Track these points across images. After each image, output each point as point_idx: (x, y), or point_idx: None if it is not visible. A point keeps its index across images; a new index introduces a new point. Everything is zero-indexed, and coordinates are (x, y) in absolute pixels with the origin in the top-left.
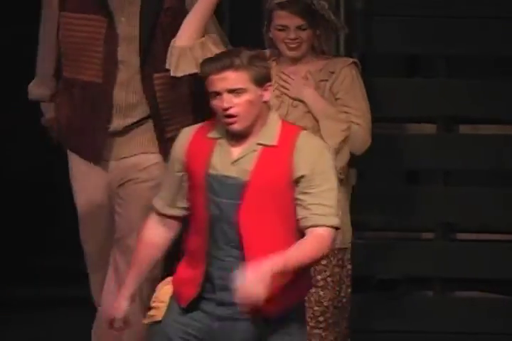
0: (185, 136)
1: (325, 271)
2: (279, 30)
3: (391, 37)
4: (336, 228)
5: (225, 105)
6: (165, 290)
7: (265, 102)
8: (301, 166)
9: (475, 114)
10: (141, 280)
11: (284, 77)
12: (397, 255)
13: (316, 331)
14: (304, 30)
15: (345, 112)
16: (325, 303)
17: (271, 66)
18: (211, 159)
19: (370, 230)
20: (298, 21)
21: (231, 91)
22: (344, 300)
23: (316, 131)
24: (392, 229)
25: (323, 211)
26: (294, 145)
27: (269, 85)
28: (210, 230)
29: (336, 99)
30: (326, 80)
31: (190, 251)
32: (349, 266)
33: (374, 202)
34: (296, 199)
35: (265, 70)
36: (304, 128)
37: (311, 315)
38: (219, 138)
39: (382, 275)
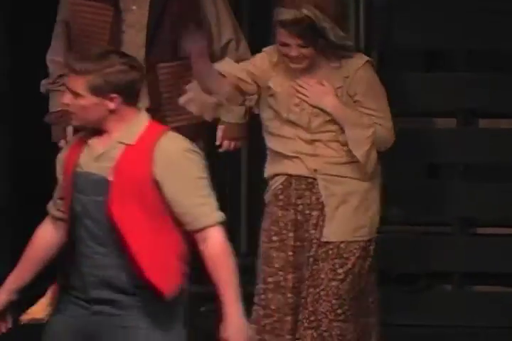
0: (73, 137)
1: (346, 264)
2: (282, 45)
3: (410, 32)
4: (221, 222)
5: (64, 100)
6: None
7: (113, 111)
8: (158, 169)
9: (495, 108)
10: (25, 279)
11: (299, 85)
12: (416, 249)
13: (336, 324)
14: (306, 47)
15: (367, 114)
16: (343, 296)
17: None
18: (79, 158)
19: (390, 224)
20: (298, 40)
21: (71, 92)
22: (362, 290)
23: (340, 134)
24: (412, 223)
25: (204, 211)
26: (154, 145)
27: (115, 97)
28: (77, 228)
29: (355, 102)
30: (341, 86)
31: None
32: (371, 258)
33: (394, 196)
34: (171, 201)
35: (103, 81)
36: (169, 130)
37: (329, 308)
38: (85, 136)
39: (401, 269)
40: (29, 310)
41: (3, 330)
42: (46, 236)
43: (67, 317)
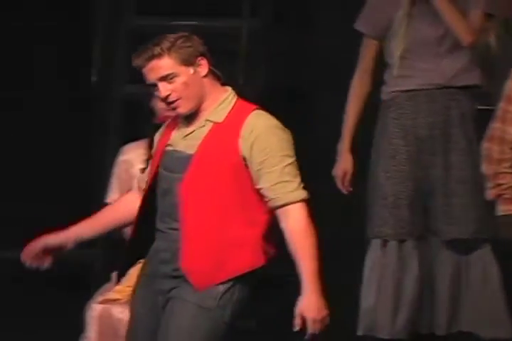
0: (168, 121)
1: None
2: None
3: None
4: (304, 200)
5: (163, 94)
6: (132, 275)
7: (205, 76)
8: (245, 145)
9: None
10: (88, 233)
11: None
12: None
13: None
14: None
15: None
16: None
17: (198, 42)
18: (171, 137)
19: None
20: None
21: (162, 79)
22: None
23: None
24: None
25: (285, 188)
26: (243, 123)
27: (201, 59)
28: (159, 204)
29: None
30: None
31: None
32: None
33: None
34: (255, 176)
35: (189, 49)
36: (258, 108)
37: None
38: (181, 118)
39: None
40: (106, 297)
41: (38, 265)
42: (128, 203)
43: (143, 294)
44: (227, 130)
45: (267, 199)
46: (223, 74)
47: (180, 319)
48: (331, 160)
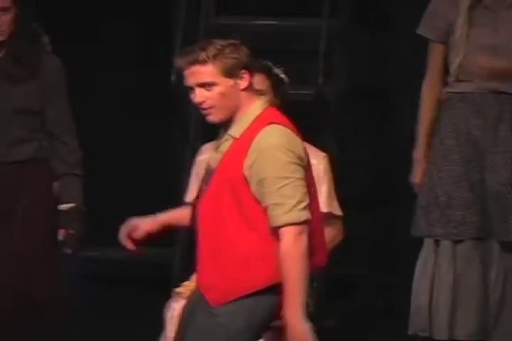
0: None
1: None
2: None
3: None
4: (296, 223)
5: (197, 99)
6: None
7: (245, 89)
8: (247, 165)
9: None
10: (173, 221)
11: None
12: None
13: None
14: None
15: None
16: None
17: (245, 53)
18: (211, 149)
19: None
20: None
21: (201, 85)
22: None
23: None
24: None
25: (276, 211)
26: (252, 140)
27: (243, 73)
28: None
29: None
30: None
31: None
32: None
33: None
34: (256, 197)
35: (235, 60)
36: (277, 122)
37: None
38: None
39: None
40: (177, 290)
41: (131, 249)
42: None
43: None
44: (241, 147)
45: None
46: (303, 73)
47: (195, 326)
48: (409, 159)
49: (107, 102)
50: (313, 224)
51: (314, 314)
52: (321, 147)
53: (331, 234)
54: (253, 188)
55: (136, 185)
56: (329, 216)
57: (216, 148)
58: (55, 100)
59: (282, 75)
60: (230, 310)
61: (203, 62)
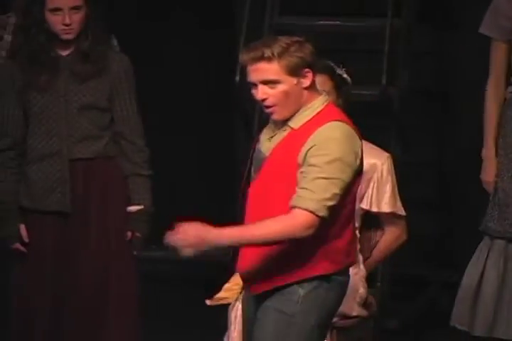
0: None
1: None
2: None
3: None
4: (315, 214)
5: (260, 96)
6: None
7: (307, 88)
8: (302, 154)
9: None
10: None
11: None
12: None
13: None
14: None
15: None
16: None
17: (310, 51)
18: (261, 137)
19: None
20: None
21: (265, 82)
22: None
23: None
24: None
25: (304, 194)
26: (313, 133)
27: (307, 71)
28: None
29: None
30: None
31: None
32: None
33: None
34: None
35: (299, 59)
36: (340, 119)
37: None
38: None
39: None
40: (216, 296)
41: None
42: None
43: (246, 296)
44: (298, 138)
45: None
46: (366, 74)
47: (264, 326)
48: (472, 159)
49: (173, 101)
50: (341, 228)
51: (377, 314)
52: (385, 147)
53: (395, 234)
54: (299, 171)
55: (200, 185)
56: (393, 216)
57: (271, 137)
58: (123, 98)
59: (345, 75)
60: (302, 310)
61: (268, 59)
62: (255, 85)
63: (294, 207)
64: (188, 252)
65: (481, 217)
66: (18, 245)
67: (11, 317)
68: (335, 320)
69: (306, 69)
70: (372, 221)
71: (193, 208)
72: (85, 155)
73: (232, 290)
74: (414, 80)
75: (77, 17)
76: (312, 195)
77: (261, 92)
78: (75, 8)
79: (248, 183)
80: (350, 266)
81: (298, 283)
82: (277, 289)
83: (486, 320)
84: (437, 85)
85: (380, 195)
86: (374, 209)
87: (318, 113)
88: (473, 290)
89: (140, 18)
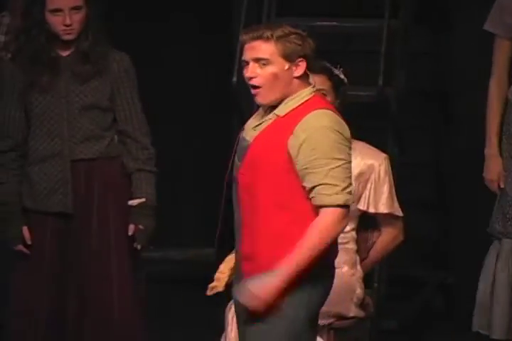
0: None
1: None
2: None
3: None
4: (343, 206)
5: (248, 74)
6: (227, 262)
7: (298, 77)
8: (293, 143)
9: None
10: None
11: None
12: None
13: None
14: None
15: None
16: None
17: (309, 45)
18: (246, 125)
19: None
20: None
21: (256, 60)
22: None
23: None
24: None
25: (326, 190)
26: (300, 120)
27: (301, 61)
28: (232, 192)
29: None
30: None
31: None
32: None
33: None
34: (300, 175)
35: (296, 46)
36: (328, 108)
37: None
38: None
39: None
40: (210, 285)
41: None
42: None
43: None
44: (284, 125)
45: (310, 198)
46: (363, 74)
47: (255, 323)
48: (470, 160)
49: (171, 102)
50: None
51: (374, 315)
52: (382, 148)
53: (392, 235)
54: (299, 166)
55: (199, 185)
56: (390, 217)
57: (256, 126)
58: (125, 98)
59: (342, 76)
60: (292, 302)
61: (266, 39)
62: (247, 64)
63: (321, 206)
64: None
65: (478, 219)
66: (20, 247)
67: (10, 318)
68: (332, 320)
69: (301, 59)
70: (369, 222)
71: (191, 209)
72: (87, 156)
73: (220, 278)
74: (411, 81)
75: (78, 17)
76: (334, 189)
77: (250, 70)
78: (76, 8)
79: (232, 173)
80: (334, 259)
81: None
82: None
83: (502, 323)
84: (434, 86)
85: (377, 195)
86: (371, 210)
87: (304, 101)
88: (488, 295)
89: (139, 20)
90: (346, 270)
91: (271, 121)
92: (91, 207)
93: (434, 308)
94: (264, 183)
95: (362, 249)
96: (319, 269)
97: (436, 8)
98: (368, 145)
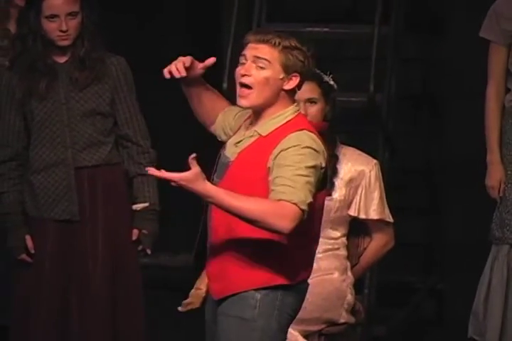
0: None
1: None
2: None
3: None
4: (299, 207)
5: (243, 71)
6: (204, 278)
7: (286, 91)
8: (271, 162)
9: None
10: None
11: None
12: None
13: None
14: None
15: None
16: None
17: (310, 64)
18: (228, 141)
19: None
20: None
21: (256, 59)
22: None
23: None
24: None
25: (285, 189)
26: (280, 141)
27: (295, 76)
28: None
29: None
30: None
31: None
32: None
33: None
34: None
35: (298, 62)
36: (310, 130)
37: None
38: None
39: None
40: (184, 302)
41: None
42: (216, 100)
43: (207, 305)
44: (266, 145)
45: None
46: (354, 80)
47: (227, 335)
48: (461, 166)
49: (161, 109)
50: (309, 241)
51: (365, 321)
52: (373, 154)
53: (382, 240)
54: (270, 177)
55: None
56: (380, 223)
57: (237, 143)
58: (124, 101)
59: (332, 82)
60: (262, 313)
61: (273, 45)
62: (243, 64)
63: (281, 200)
64: None
65: (469, 225)
66: (24, 256)
67: (12, 324)
68: (323, 326)
69: (296, 74)
70: (360, 228)
71: (186, 210)
72: (90, 163)
73: (196, 295)
74: (402, 87)
75: (74, 23)
76: (293, 190)
77: (246, 68)
78: (71, 14)
79: None
80: (308, 277)
81: (256, 289)
82: (234, 295)
83: (495, 329)
84: (425, 92)
85: (367, 201)
86: (362, 215)
87: (287, 121)
88: (481, 302)
89: (129, 28)
90: (337, 276)
91: (253, 139)
92: (96, 213)
93: (424, 314)
94: None
95: (353, 254)
96: (290, 280)
97: (428, 14)
98: (358, 151)
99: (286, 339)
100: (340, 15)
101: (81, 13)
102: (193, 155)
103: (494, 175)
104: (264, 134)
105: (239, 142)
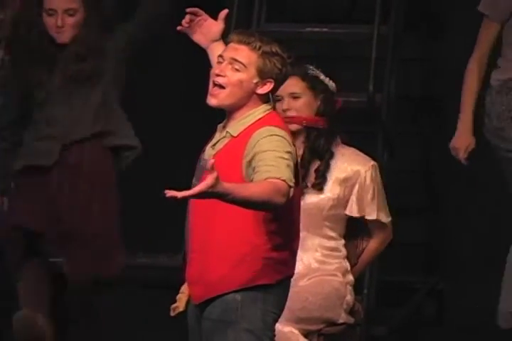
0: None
1: None
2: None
3: None
4: (287, 183)
5: (218, 71)
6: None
7: (258, 95)
8: (245, 163)
9: None
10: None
11: None
12: None
13: None
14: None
15: None
16: None
17: (286, 71)
18: (206, 144)
19: None
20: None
21: (232, 61)
22: None
23: None
24: None
25: (270, 169)
26: (249, 139)
27: (270, 81)
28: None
29: None
30: None
31: None
32: None
33: None
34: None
35: (274, 68)
36: (280, 126)
37: None
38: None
39: None
40: (172, 306)
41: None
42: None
43: (190, 308)
44: (237, 145)
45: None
46: (354, 81)
47: (213, 340)
48: (461, 166)
49: (159, 105)
50: (289, 239)
51: (364, 321)
52: (372, 154)
53: (380, 240)
54: (249, 172)
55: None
56: (377, 222)
57: (213, 145)
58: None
59: (331, 83)
60: (245, 315)
61: (253, 48)
62: (220, 63)
63: (268, 178)
64: None
65: (469, 225)
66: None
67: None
68: (322, 326)
69: (271, 80)
70: (359, 228)
71: (186, 210)
72: (78, 138)
73: (179, 299)
74: (401, 87)
75: (71, 21)
76: (278, 169)
77: (222, 68)
78: (69, 10)
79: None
80: (291, 277)
81: (236, 291)
82: (214, 298)
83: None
84: (425, 92)
85: (362, 201)
86: (356, 214)
87: (257, 120)
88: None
89: None
90: (336, 276)
91: (226, 140)
92: (79, 172)
93: (424, 314)
94: (220, 206)
95: (351, 255)
96: (270, 280)
97: (427, 14)
98: (357, 152)
99: (274, 336)
100: (340, 16)
101: (82, 13)
102: (213, 160)
103: (460, 139)
104: (235, 134)
105: (214, 144)
